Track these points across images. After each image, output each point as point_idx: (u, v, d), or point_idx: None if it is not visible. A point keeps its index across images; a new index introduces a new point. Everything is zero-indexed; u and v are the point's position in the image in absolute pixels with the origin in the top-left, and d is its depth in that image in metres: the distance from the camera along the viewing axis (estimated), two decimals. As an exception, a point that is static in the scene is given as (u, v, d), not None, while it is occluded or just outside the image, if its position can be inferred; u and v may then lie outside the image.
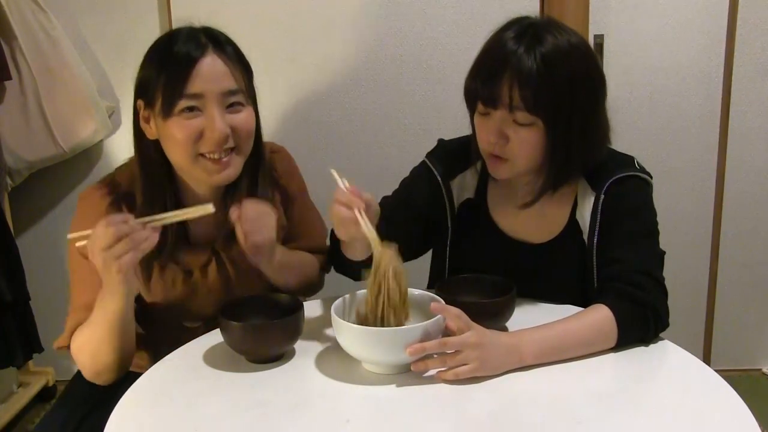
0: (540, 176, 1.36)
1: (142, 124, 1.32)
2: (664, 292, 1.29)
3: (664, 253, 1.36)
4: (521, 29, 1.27)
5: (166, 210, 1.25)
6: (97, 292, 1.24)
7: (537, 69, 1.23)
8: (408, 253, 1.47)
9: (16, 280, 2.12)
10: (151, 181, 1.32)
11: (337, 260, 1.37)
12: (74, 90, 2.27)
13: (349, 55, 2.39)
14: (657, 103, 2.41)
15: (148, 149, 1.32)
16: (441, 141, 1.53)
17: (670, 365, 1.23)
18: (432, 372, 1.16)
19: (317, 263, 1.53)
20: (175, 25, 2.29)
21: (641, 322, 1.24)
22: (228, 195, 1.39)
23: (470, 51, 2.54)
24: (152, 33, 2.33)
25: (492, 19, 2.32)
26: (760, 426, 1.01)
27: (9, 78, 2.17)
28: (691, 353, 1.23)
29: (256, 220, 1.28)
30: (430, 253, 1.59)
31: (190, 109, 1.25)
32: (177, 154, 1.29)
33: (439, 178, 1.46)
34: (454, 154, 1.49)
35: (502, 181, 1.41)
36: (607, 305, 1.23)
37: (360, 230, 1.17)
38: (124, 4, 2.34)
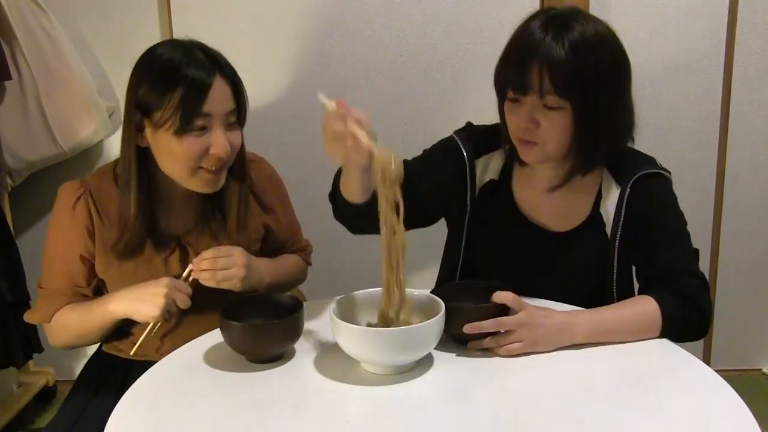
0: (567, 162, 1.39)
1: (134, 133, 1.38)
2: (707, 288, 1.34)
3: (698, 249, 1.41)
4: (548, 19, 1.31)
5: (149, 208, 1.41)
6: (67, 278, 1.43)
7: (565, 54, 1.26)
8: (419, 219, 1.47)
9: (16, 281, 2.12)
10: (143, 185, 1.40)
11: (336, 205, 1.37)
12: (74, 90, 2.26)
13: (348, 55, 2.39)
14: (657, 103, 2.41)
15: (131, 152, 1.39)
16: (469, 123, 1.55)
17: (670, 365, 1.23)
18: (431, 372, 1.15)
19: (303, 262, 1.66)
20: (175, 25, 2.32)
21: (687, 319, 1.28)
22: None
23: (470, 51, 2.55)
24: (152, 33, 2.35)
25: (492, 19, 2.36)
26: (760, 426, 1.01)
27: (9, 78, 2.17)
28: (691, 353, 1.24)
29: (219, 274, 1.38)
30: (442, 245, 1.60)
31: (202, 128, 1.34)
32: (177, 167, 1.37)
33: (465, 155, 1.48)
34: (481, 136, 1.50)
35: (530, 166, 1.44)
36: (654, 299, 1.28)
37: (357, 149, 1.14)
38: (124, 5, 2.34)
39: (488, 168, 1.50)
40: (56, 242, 1.44)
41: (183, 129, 1.32)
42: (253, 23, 2.35)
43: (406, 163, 1.49)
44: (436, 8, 2.36)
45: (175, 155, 1.35)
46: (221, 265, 1.37)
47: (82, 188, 1.42)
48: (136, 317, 1.36)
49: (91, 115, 2.30)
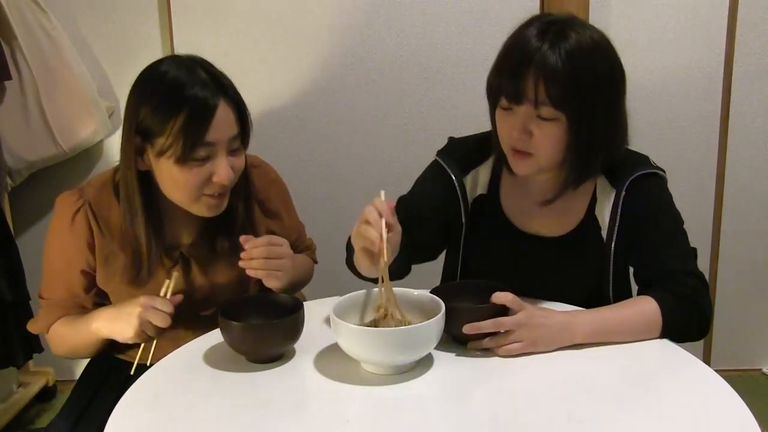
0: (560, 172, 1.37)
1: (134, 157, 1.33)
2: (707, 288, 1.33)
3: (695, 249, 1.40)
4: (544, 26, 1.28)
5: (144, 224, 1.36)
6: (66, 291, 1.42)
7: (562, 65, 1.24)
8: (427, 253, 1.50)
9: (16, 280, 2.12)
10: (133, 207, 1.36)
11: (348, 261, 1.39)
12: (74, 90, 2.26)
13: (348, 55, 2.39)
14: (657, 103, 2.41)
15: (132, 178, 1.35)
16: (451, 139, 1.54)
17: (670, 365, 1.23)
18: (431, 372, 1.15)
19: (311, 261, 1.65)
20: (175, 25, 2.32)
21: (687, 319, 1.28)
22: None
23: (470, 51, 2.54)
24: (152, 33, 2.35)
25: (492, 19, 2.36)
26: (760, 426, 1.01)
27: (9, 78, 2.17)
28: (691, 353, 1.24)
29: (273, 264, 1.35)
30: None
31: (204, 157, 1.30)
32: (179, 194, 1.34)
33: (452, 175, 1.46)
34: (465, 151, 1.49)
35: (519, 177, 1.41)
36: (654, 299, 1.27)
37: (375, 247, 1.18)
38: (124, 5, 2.34)
39: (477, 182, 1.49)
40: (56, 256, 1.42)
41: (185, 158, 1.28)
42: (252, 23, 2.35)
43: (401, 201, 1.48)
44: (436, 8, 2.36)
45: (176, 183, 1.31)
46: (275, 254, 1.34)
47: (80, 200, 1.39)
48: (116, 338, 1.35)
49: (91, 115, 2.30)
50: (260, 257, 1.33)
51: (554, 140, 1.30)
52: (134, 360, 1.44)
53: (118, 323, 1.32)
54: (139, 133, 1.30)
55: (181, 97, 1.27)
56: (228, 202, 1.40)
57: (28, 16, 2.20)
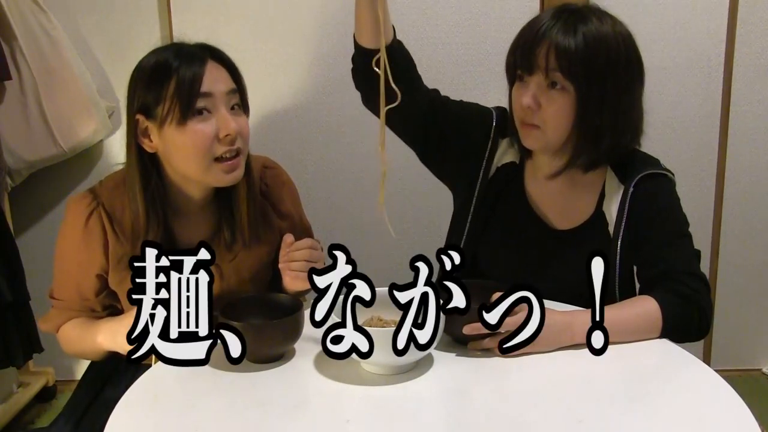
0: (567, 152, 1.40)
1: (140, 139, 1.35)
2: (708, 289, 1.34)
3: (699, 251, 1.41)
4: (562, 8, 1.34)
5: (160, 217, 1.36)
6: (77, 294, 1.41)
7: (574, 41, 1.30)
8: (431, 141, 1.52)
9: (16, 280, 2.12)
10: (150, 194, 1.36)
11: (356, 67, 1.47)
12: (74, 90, 2.26)
13: (348, 55, 2.38)
14: (657, 103, 2.41)
15: (144, 163, 1.36)
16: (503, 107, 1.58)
17: (670, 365, 1.23)
18: (431, 372, 1.15)
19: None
20: (175, 25, 2.32)
21: (687, 319, 1.29)
22: (218, 199, 1.44)
23: (470, 51, 2.53)
24: (152, 33, 2.35)
25: (492, 19, 2.35)
26: (760, 426, 1.01)
27: (9, 78, 2.17)
28: (691, 353, 1.24)
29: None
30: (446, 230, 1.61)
31: (203, 111, 1.31)
32: (191, 161, 1.33)
33: (494, 125, 1.50)
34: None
35: (533, 158, 1.47)
36: (655, 299, 1.28)
37: None
38: (124, 5, 2.34)
39: (509, 150, 1.52)
40: (68, 259, 1.41)
41: (185, 114, 1.29)
42: (253, 23, 2.35)
43: (446, 98, 1.55)
44: (436, 8, 2.36)
45: (185, 149, 1.31)
46: (315, 258, 1.36)
47: (94, 202, 1.38)
48: (120, 351, 1.32)
49: (91, 115, 2.30)
50: (302, 259, 1.36)
51: (562, 114, 1.33)
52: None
53: (118, 337, 1.30)
54: (141, 114, 1.33)
55: (169, 66, 1.31)
56: (233, 193, 1.41)
57: (28, 16, 2.20)
